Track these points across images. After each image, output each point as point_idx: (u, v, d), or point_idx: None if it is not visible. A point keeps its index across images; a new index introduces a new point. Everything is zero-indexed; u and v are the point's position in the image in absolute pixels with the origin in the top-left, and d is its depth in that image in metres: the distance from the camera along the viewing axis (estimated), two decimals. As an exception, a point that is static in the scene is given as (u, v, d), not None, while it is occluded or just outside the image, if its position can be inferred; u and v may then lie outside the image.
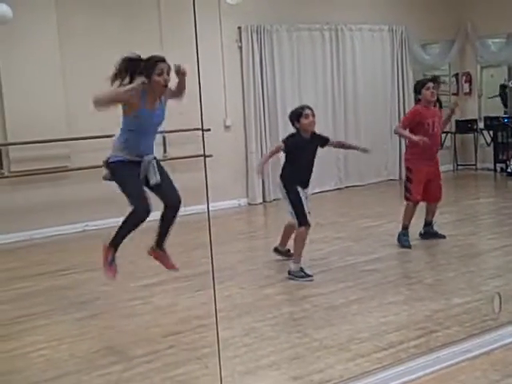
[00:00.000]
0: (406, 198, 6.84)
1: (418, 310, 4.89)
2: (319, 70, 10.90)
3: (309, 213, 5.99)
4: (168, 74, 4.95)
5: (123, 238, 5.17)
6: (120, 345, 4.56)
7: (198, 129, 8.48)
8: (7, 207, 8.24)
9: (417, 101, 6.94)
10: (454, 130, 12.53)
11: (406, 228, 6.84)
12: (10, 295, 5.95)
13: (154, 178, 5.06)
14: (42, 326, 5.05)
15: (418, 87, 6.84)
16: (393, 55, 11.76)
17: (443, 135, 11.61)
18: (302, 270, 5.98)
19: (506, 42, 11.99)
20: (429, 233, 7.10)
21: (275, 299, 5.41)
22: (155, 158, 5.21)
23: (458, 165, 12.82)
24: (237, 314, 5.03)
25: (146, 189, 5.08)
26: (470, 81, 12.83)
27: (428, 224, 7.11)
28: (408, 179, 6.89)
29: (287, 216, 6.11)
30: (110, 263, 5.24)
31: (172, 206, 5.14)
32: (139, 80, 4.85)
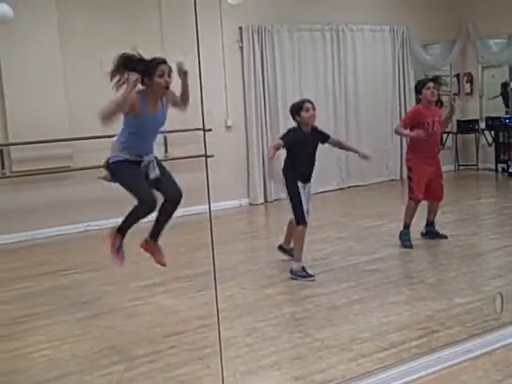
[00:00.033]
0: (409, 197, 6.84)
1: (419, 310, 4.89)
2: (320, 70, 10.90)
3: (307, 211, 5.99)
4: (169, 75, 4.96)
5: (130, 226, 5.21)
6: (122, 345, 4.57)
7: (199, 129, 8.48)
8: (9, 207, 8.24)
9: (418, 100, 6.95)
10: (455, 130, 12.53)
11: (407, 227, 6.84)
12: (12, 295, 5.95)
13: (153, 173, 5.08)
14: (43, 326, 5.05)
15: (419, 87, 6.85)
16: (394, 55, 11.76)
17: (444, 135, 11.66)
18: (304, 269, 5.98)
19: (507, 42, 11.98)
20: (430, 232, 7.10)
21: (277, 299, 5.41)
22: (156, 158, 5.22)
23: (459, 165, 12.82)
24: (238, 314, 5.03)
25: None
26: (471, 81, 12.82)
27: (430, 224, 7.11)
28: (409, 178, 6.91)
29: (291, 213, 6.10)
30: (118, 250, 5.24)
31: (173, 200, 5.14)
32: (133, 76, 4.83)
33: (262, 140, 10.26)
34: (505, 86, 12.46)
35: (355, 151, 6.44)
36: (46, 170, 8.39)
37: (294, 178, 5.95)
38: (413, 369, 3.84)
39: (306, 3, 10.50)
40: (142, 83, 5.02)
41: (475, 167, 12.62)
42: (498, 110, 12.48)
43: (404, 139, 9.66)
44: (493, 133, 12.21)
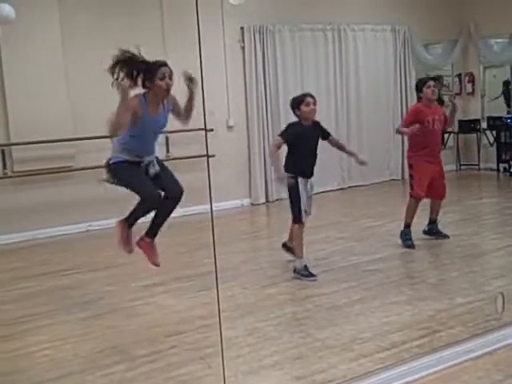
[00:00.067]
0: (410, 195, 6.84)
1: (420, 310, 4.89)
2: (322, 70, 10.90)
3: (305, 211, 5.98)
4: (170, 78, 4.96)
5: (136, 219, 5.23)
6: (123, 344, 4.57)
7: (201, 129, 8.41)
8: (10, 207, 8.25)
9: (418, 99, 6.95)
10: (456, 129, 12.51)
11: (408, 226, 6.82)
12: (13, 295, 5.95)
13: (153, 169, 5.09)
14: (45, 325, 5.06)
15: (420, 85, 6.86)
16: (395, 55, 11.76)
17: (446, 135, 11.66)
18: (306, 268, 5.99)
19: (508, 42, 11.97)
20: (433, 231, 7.09)
21: (278, 299, 5.41)
22: (156, 157, 5.23)
23: (460, 165, 12.82)
24: (239, 314, 5.03)
25: None
26: (472, 81, 12.82)
27: (432, 222, 7.09)
28: (410, 176, 6.92)
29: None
30: (126, 239, 5.25)
31: (173, 197, 5.14)
32: (124, 86, 4.83)
33: (264, 140, 10.25)
34: (507, 84, 12.46)
35: (354, 155, 6.38)
36: (48, 170, 8.40)
37: (294, 174, 5.95)
38: (414, 369, 3.84)
39: (308, 3, 10.50)
40: (144, 86, 5.03)
41: (477, 167, 12.62)
42: (499, 109, 12.47)
43: (405, 138, 9.64)
44: (494, 133, 12.21)
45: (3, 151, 8.28)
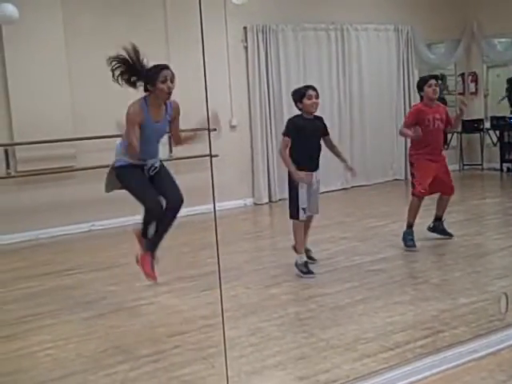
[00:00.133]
0: (412, 193, 6.82)
1: (424, 310, 4.88)
2: (325, 69, 10.90)
3: (303, 209, 5.97)
4: (172, 81, 4.98)
5: (161, 236, 5.33)
6: (126, 344, 4.56)
7: (203, 129, 8.45)
8: (13, 207, 8.25)
9: (421, 98, 6.93)
10: (460, 129, 12.50)
11: (410, 226, 6.79)
12: (16, 295, 5.95)
13: (153, 167, 5.11)
14: (48, 325, 5.05)
15: (421, 84, 6.84)
16: (398, 55, 11.76)
17: (449, 135, 11.65)
18: (306, 264, 6.04)
19: (511, 41, 11.96)
20: (438, 228, 7.07)
21: (281, 299, 5.40)
22: (160, 161, 5.23)
23: (464, 165, 12.81)
24: (243, 314, 5.02)
25: None
26: (475, 80, 12.81)
27: (438, 219, 7.07)
28: (412, 174, 6.90)
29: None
30: (153, 265, 5.39)
31: (173, 206, 5.14)
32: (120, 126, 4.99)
33: (267, 140, 10.26)
34: (510, 82, 12.43)
35: (343, 161, 6.30)
36: (51, 170, 8.40)
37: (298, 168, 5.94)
38: (417, 369, 3.83)
39: (311, 3, 10.50)
40: (145, 89, 5.05)
41: (480, 167, 12.61)
42: (503, 109, 12.46)
43: (408, 138, 9.62)
44: (498, 132, 12.20)
45: (6, 151, 8.28)
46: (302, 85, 6.31)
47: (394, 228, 7.52)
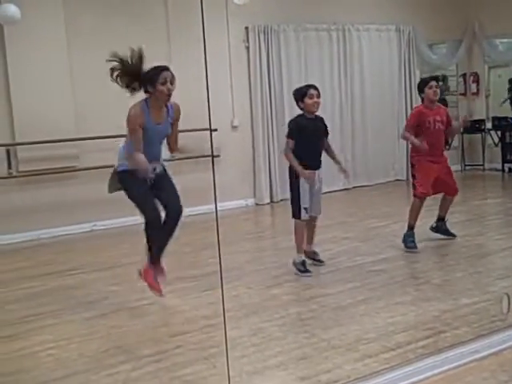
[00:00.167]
0: (413, 194, 6.81)
1: (425, 311, 4.88)
2: (326, 70, 10.90)
3: (305, 209, 5.99)
4: (171, 83, 4.96)
5: (160, 248, 5.24)
6: (128, 344, 4.57)
7: (205, 129, 8.48)
8: (15, 207, 8.26)
9: (422, 100, 6.93)
10: (461, 130, 12.49)
11: (411, 228, 6.77)
12: (18, 295, 5.96)
13: (154, 171, 5.11)
14: (50, 325, 5.06)
15: (421, 86, 6.84)
16: (400, 55, 11.75)
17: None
18: (304, 263, 6.09)
19: (513, 41, 11.98)
20: (441, 228, 7.07)
21: (282, 299, 5.40)
22: (163, 167, 5.22)
23: (465, 165, 12.80)
24: (244, 314, 5.02)
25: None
26: (477, 81, 12.80)
27: (441, 219, 7.07)
28: (413, 176, 6.89)
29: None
30: (156, 278, 5.30)
31: (172, 217, 5.10)
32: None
33: (268, 140, 10.26)
34: (512, 82, 12.46)
35: (338, 163, 6.28)
36: (52, 170, 8.41)
37: (297, 174, 5.97)
38: (419, 369, 3.83)
39: (313, 3, 10.50)
40: (145, 91, 5.05)
41: (481, 167, 12.60)
42: (504, 110, 12.44)
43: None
44: (499, 133, 12.20)
45: (8, 151, 8.28)
46: (303, 85, 6.31)
47: (396, 228, 7.51)
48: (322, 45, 10.83)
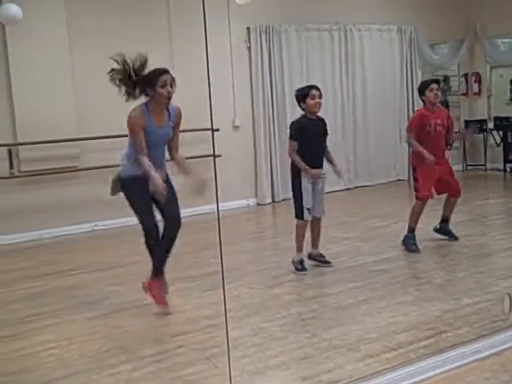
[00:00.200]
0: (416, 197, 6.80)
1: (427, 311, 4.87)
2: (328, 70, 10.89)
3: (308, 209, 6.00)
4: (171, 85, 4.95)
5: (162, 260, 5.20)
6: (129, 344, 4.57)
7: (207, 129, 8.47)
8: (16, 207, 8.26)
9: (423, 102, 6.90)
10: (463, 130, 12.51)
11: (412, 231, 6.76)
12: (19, 295, 5.96)
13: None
14: (51, 325, 5.06)
15: (422, 88, 6.81)
16: (402, 55, 11.75)
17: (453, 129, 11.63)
18: (302, 262, 6.13)
19: (515, 41, 11.98)
20: (444, 230, 7.05)
21: (284, 299, 5.40)
22: (166, 174, 5.19)
23: (467, 165, 12.79)
24: (245, 314, 5.02)
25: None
26: (479, 81, 12.80)
27: (445, 220, 7.05)
28: (415, 178, 6.87)
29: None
30: (160, 290, 5.24)
31: (170, 229, 5.06)
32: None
33: (270, 140, 10.26)
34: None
35: (333, 164, 6.28)
36: (54, 170, 8.41)
37: (298, 172, 5.99)
38: (421, 369, 3.83)
39: (314, 3, 10.50)
40: (145, 94, 5.03)
41: (483, 167, 12.59)
42: (506, 109, 12.44)
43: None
44: (501, 133, 12.19)
45: (10, 151, 8.28)
46: (305, 85, 6.31)
47: (397, 228, 7.50)
48: (324, 45, 10.83)
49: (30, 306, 5.59)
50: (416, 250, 6.66)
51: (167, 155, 5.28)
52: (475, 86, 12.82)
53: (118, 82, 4.98)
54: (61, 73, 8.45)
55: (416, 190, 6.80)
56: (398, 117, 11.65)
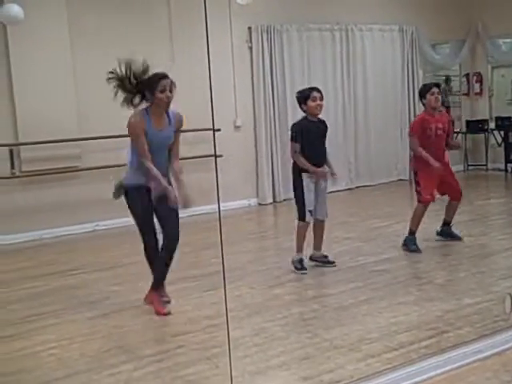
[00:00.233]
0: (418, 200, 6.77)
1: (428, 311, 4.87)
2: (329, 70, 10.88)
3: (310, 211, 6.00)
4: (171, 90, 4.94)
5: (163, 274, 5.20)
6: (130, 344, 4.57)
7: (208, 129, 8.48)
8: (18, 207, 8.26)
9: (424, 105, 6.88)
10: (464, 130, 12.51)
11: (413, 233, 6.76)
12: (20, 295, 5.96)
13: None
14: (52, 325, 5.06)
15: (423, 92, 6.79)
16: (403, 55, 11.73)
17: (454, 135, 11.61)
18: (301, 261, 6.14)
19: (516, 41, 11.97)
20: (446, 232, 7.04)
21: (285, 299, 5.40)
22: (169, 182, 5.17)
23: (468, 165, 12.77)
24: (247, 314, 5.02)
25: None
26: (480, 81, 12.78)
27: (447, 223, 7.04)
28: (417, 182, 6.83)
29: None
30: (161, 302, 5.24)
31: (168, 243, 5.03)
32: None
33: (271, 140, 10.25)
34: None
35: (328, 166, 6.24)
36: (55, 170, 8.40)
37: (299, 173, 5.99)
38: (422, 369, 3.83)
39: (316, 3, 10.49)
40: (145, 100, 5.03)
41: (484, 167, 12.57)
42: (507, 109, 12.43)
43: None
44: (502, 133, 12.17)
45: (11, 151, 8.27)
46: (306, 85, 6.32)
47: (398, 228, 7.49)
48: (325, 45, 10.82)
49: (31, 305, 5.59)
50: (417, 250, 6.66)
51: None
52: (477, 86, 12.81)
53: (116, 87, 4.98)
54: (62, 73, 8.44)
55: (418, 193, 6.77)
56: (400, 117, 11.65)
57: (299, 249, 6.17)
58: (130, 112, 5.00)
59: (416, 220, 6.73)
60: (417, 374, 3.78)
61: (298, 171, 6.04)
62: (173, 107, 5.08)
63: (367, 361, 4.01)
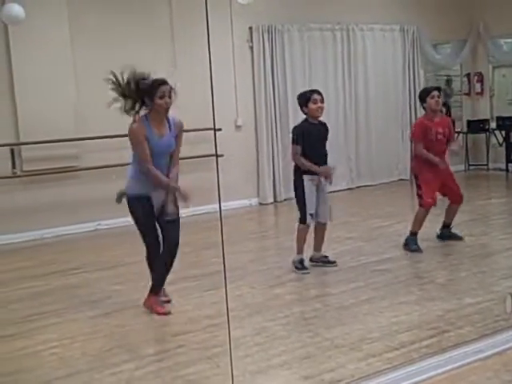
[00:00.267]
0: (419, 204, 6.76)
1: (429, 310, 4.87)
2: (330, 70, 10.88)
3: (311, 215, 6.01)
4: (170, 96, 4.94)
5: (162, 279, 5.22)
6: (131, 343, 4.57)
7: (209, 129, 8.48)
8: (19, 206, 8.26)
9: (424, 109, 6.88)
10: (465, 130, 12.50)
11: (414, 234, 6.76)
12: (21, 294, 5.96)
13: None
14: (53, 324, 5.06)
15: (423, 95, 6.79)
16: (404, 55, 11.73)
17: (455, 135, 11.61)
18: (302, 262, 6.14)
19: (517, 41, 11.96)
20: (446, 235, 7.04)
21: (286, 299, 5.40)
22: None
23: (469, 165, 12.76)
24: (247, 314, 5.02)
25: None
26: (481, 81, 12.78)
27: (446, 226, 7.04)
28: (418, 186, 6.81)
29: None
30: (160, 302, 5.25)
31: (168, 249, 5.04)
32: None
33: (272, 140, 10.25)
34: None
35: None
36: (57, 170, 8.41)
37: (301, 175, 6.00)
38: (423, 369, 3.83)
39: (317, 3, 10.48)
40: (145, 105, 5.03)
41: (485, 167, 12.57)
42: (508, 109, 12.42)
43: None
44: (503, 132, 12.16)
45: (12, 150, 8.28)
46: (307, 85, 6.35)
47: (399, 228, 7.50)
48: (326, 45, 10.82)
49: (32, 305, 5.60)
50: (418, 250, 6.66)
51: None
52: (478, 86, 12.80)
53: (112, 90, 4.98)
54: (63, 72, 8.44)
55: (419, 197, 6.76)
56: (401, 116, 11.64)
57: (299, 250, 6.17)
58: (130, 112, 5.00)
59: (418, 223, 6.72)
60: (418, 373, 3.78)
61: (299, 174, 6.04)
62: (173, 107, 5.08)
63: (368, 360, 4.01)
